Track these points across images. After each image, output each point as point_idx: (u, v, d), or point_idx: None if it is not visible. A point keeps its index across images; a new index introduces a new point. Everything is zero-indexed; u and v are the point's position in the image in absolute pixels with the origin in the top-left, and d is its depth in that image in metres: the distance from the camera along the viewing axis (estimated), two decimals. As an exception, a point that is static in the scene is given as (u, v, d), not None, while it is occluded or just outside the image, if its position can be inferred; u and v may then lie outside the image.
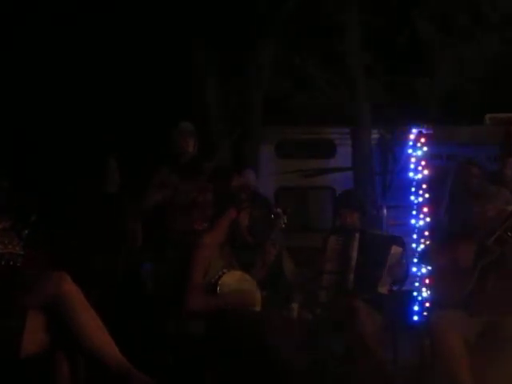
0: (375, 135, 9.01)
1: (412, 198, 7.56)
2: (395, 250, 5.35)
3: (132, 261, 6.14)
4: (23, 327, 3.16)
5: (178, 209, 5.79)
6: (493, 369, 4.08)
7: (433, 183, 7.20)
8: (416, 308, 7.05)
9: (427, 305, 6.58)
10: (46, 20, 9.82)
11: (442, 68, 11.84)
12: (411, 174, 7.60)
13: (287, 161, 9.03)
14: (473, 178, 5.59)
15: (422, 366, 4.96)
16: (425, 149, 7.60)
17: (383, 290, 5.32)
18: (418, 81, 11.83)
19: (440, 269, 4.71)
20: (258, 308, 4.41)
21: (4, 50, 9.46)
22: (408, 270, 5.72)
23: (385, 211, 7.27)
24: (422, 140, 7.64)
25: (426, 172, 7.51)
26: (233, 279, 4.33)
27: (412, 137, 7.66)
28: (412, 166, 7.61)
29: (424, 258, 5.83)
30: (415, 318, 6.95)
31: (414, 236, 7.43)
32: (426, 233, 7.17)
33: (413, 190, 7.56)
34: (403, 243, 5.49)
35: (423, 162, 7.56)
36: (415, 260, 7.05)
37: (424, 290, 6.92)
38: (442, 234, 5.00)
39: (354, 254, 5.37)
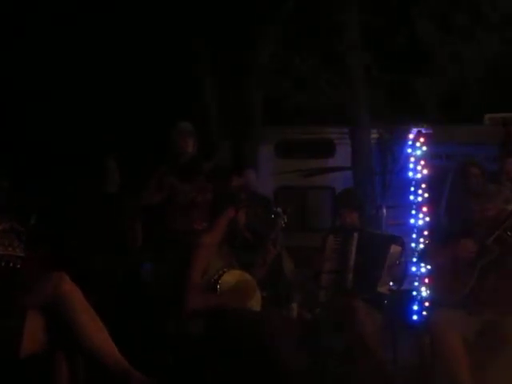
0: (374, 135, 9.01)
1: (411, 197, 7.55)
2: (394, 249, 5.35)
3: (132, 261, 6.14)
4: (23, 327, 3.17)
5: (177, 209, 5.79)
6: (492, 368, 4.09)
7: (432, 183, 7.20)
8: (415, 307, 7.05)
9: (427, 304, 6.57)
10: (46, 20, 9.82)
11: (441, 68, 11.85)
12: (410, 174, 7.60)
13: (287, 160, 9.04)
14: (472, 177, 5.59)
15: (421, 366, 4.97)
16: (424, 148, 7.60)
17: (383, 289, 5.31)
18: (418, 81, 11.84)
19: (439, 268, 4.72)
20: (257, 308, 4.41)
21: (4, 49, 9.47)
22: (407, 269, 5.72)
23: (384, 211, 7.26)
24: (422, 140, 7.64)
25: (425, 172, 7.51)
26: (233, 278, 4.34)
27: (411, 136, 7.65)
28: (411, 166, 7.61)
29: (423, 257, 5.83)
30: (415, 317, 6.94)
31: (414, 236, 7.43)
32: (426, 232, 7.17)
33: (412, 189, 7.56)
34: (402, 242, 5.49)
35: (422, 162, 7.57)
36: (415, 259, 7.06)
37: (423, 289, 6.91)
38: (442, 234, 5.00)
39: (353, 254, 5.37)
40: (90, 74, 10.08)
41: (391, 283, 5.38)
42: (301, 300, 5.28)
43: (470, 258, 4.37)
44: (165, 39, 9.61)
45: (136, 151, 9.31)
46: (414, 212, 7.49)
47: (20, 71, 9.82)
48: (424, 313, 6.48)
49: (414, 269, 7.12)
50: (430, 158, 7.68)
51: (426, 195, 7.36)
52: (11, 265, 3.17)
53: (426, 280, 6.71)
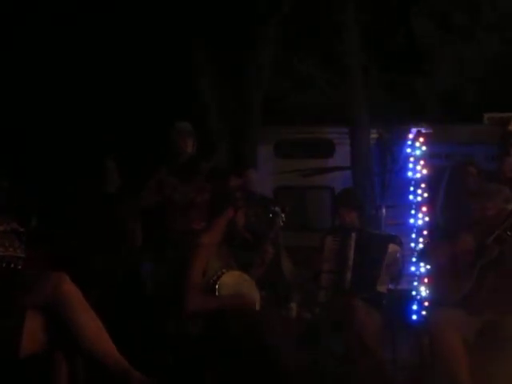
0: (374, 135, 9.01)
1: (411, 197, 7.57)
2: (392, 248, 5.37)
3: (132, 261, 6.14)
4: (22, 327, 3.17)
5: (177, 209, 5.80)
6: (492, 368, 4.09)
7: (432, 182, 7.21)
8: (415, 307, 7.06)
9: (426, 304, 6.58)
10: (46, 20, 9.82)
11: (441, 68, 11.86)
12: (410, 174, 7.62)
13: (286, 160, 9.05)
14: (469, 176, 5.59)
15: (421, 365, 4.97)
16: (423, 148, 7.62)
17: (382, 288, 5.33)
18: (417, 80, 11.85)
19: (439, 268, 4.72)
20: (256, 308, 4.41)
21: (4, 49, 9.46)
22: (404, 268, 5.72)
23: (383, 211, 7.27)
24: (421, 139, 7.66)
25: (424, 171, 7.52)
26: (232, 279, 4.34)
27: (411, 136, 7.67)
28: (411, 166, 7.62)
29: (423, 257, 5.84)
30: (414, 317, 6.95)
31: (413, 235, 7.44)
32: (425, 232, 7.18)
33: (411, 189, 7.58)
34: (400, 242, 5.50)
35: (422, 162, 7.58)
36: (414, 259, 7.07)
37: (423, 289, 6.92)
38: (440, 233, 5.00)
39: (351, 254, 5.38)
40: (89, 74, 10.07)
41: (390, 282, 5.39)
42: (300, 300, 5.28)
43: (469, 258, 4.37)
44: (164, 39, 9.60)
45: (136, 151, 9.31)
46: (413, 212, 7.51)
47: (20, 71, 9.81)
48: (423, 312, 6.49)
49: (413, 268, 7.14)
50: (429, 158, 7.70)
51: (426, 195, 7.38)
52: (12, 266, 3.17)
53: (426, 280, 6.73)
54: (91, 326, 3.25)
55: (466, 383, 4.13)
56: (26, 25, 9.84)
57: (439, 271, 4.71)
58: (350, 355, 5.01)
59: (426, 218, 7.25)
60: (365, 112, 9.27)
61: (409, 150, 7.76)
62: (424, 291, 6.88)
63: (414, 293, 7.14)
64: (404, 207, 7.62)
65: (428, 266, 5.77)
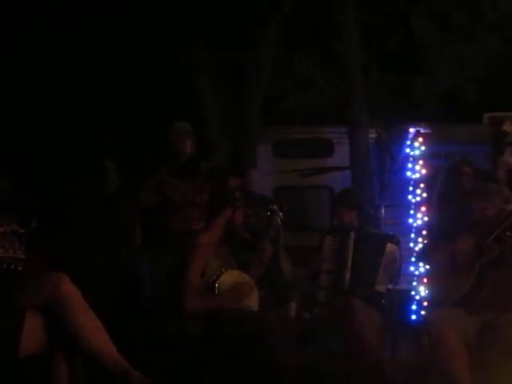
0: (373, 134, 9.02)
1: (410, 197, 7.58)
2: (390, 247, 5.38)
3: (132, 261, 6.15)
4: (22, 327, 3.17)
5: (176, 209, 5.80)
6: (492, 367, 4.09)
7: (431, 182, 7.21)
8: (414, 307, 7.06)
9: (425, 304, 6.59)
10: (46, 20, 9.82)
11: (441, 68, 11.86)
12: (409, 174, 7.63)
13: (285, 160, 9.06)
14: (464, 176, 5.60)
15: (420, 365, 4.97)
16: (423, 148, 7.62)
17: (381, 288, 5.33)
18: (417, 80, 11.85)
19: (438, 268, 4.72)
20: (255, 308, 4.42)
21: (4, 49, 9.46)
22: (402, 267, 5.72)
23: (382, 210, 7.27)
24: (420, 139, 7.66)
25: (423, 171, 7.53)
26: (231, 279, 4.34)
27: (410, 136, 7.68)
28: (410, 166, 7.63)
29: (422, 256, 5.84)
30: (413, 317, 6.96)
31: (412, 235, 7.45)
32: (424, 232, 7.19)
33: (410, 189, 7.59)
34: (398, 241, 5.51)
35: (421, 162, 7.59)
36: (413, 259, 7.07)
37: (422, 289, 6.93)
38: (438, 233, 5.00)
39: (350, 253, 5.39)
40: (89, 74, 10.07)
41: (388, 282, 5.40)
42: (299, 299, 5.29)
43: (469, 258, 4.38)
44: (164, 39, 9.60)
45: (135, 151, 9.31)
46: (412, 212, 7.52)
47: (20, 71, 9.82)
48: (422, 312, 6.50)
49: (412, 268, 7.14)
50: (429, 158, 7.71)
51: (424, 195, 7.38)
52: (12, 267, 3.18)
53: (425, 280, 6.73)
54: (90, 326, 3.26)
55: (465, 383, 4.13)
56: (26, 25, 9.84)
57: (439, 271, 4.71)
58: (349, 355, 5.01)
59: (425, 218, 7.25)
60: (364, 112, 9.28)
61: (408, 150, 7.77)
62: (423, 291, 6.88)
63: (413, 293, 7.14)
64: (403, 207, 7.63)
65: (427, 266, 5.77)
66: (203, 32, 9.65)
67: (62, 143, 9.86)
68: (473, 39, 11.64)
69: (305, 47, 10.67)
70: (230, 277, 4.34)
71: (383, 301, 5.32)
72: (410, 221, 7.49)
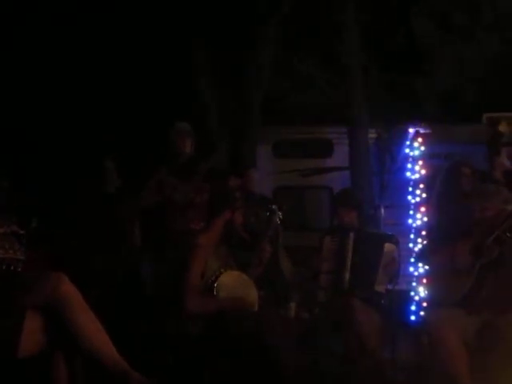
0: (373, 135, 9.02)
1: (409, 197, 7.58)
2: (388, 247, 5.38)
3: (132, 261, 6.15)
4: (22, 327, 3.17)
5: (176, 209, 5.80)
6: (491, 368, 4.09)
7: (431, 183, 7.21)
8: (413, 308, 7.06)
9: (425, 304, 6.58)
10: (46, 20, 9.82)
11: (441, 68, 11.86)
12: (408, 174, 7.62)
13: (285, 160, 9.07)
14: (462, 177, 5.60)
15: (420, 365, 4.98)
16: (422, 148, 7.62)
17: (380, 288, 5.34)
18: (417, 80, 11.85)
19: (438, 268, 4.72)
20: (255, 308, 4.42)
21: (4, 49, 9.46)
22: (401, 268, 5.72)
23: (382, 211, 7.27)
24: (420, 139, 7.66)
25: (423, 172, 7.53)
26: (230, 279, 4.34)
27: (409, 136, 7.68)
28: (409, 166, 7.63)
29: (422, 257, 5.84)
30: (412, 317, 6.96)
31: (412, 236, 7.44)
32: (424, 232, 7.18)
33: (410, 189, 7.58)
34: (397, 241, 5.51)
35: (420, 162, 7.59)
36: (412, 260, 7.07)
37: (421, 289, 6.93)
38: (438, 234, 5.00)
39: (349, 253, 5.39)
40: (89, 74, 10.07)
41: (388, 282, 5.40)
42: (299, 300, 5.29)
43: (468, 258, 4.37)
44: (164, 39, 9.60)
45: (135, 151, 9.31)
46: (411, 212, 7.51)
47: (20, 71, 9.82)
48: (422, 313, 6.49)
49: (411, 269, 7.14)
50: (429, 158, 7.70)
51: (424, 195, 7.38)
52: (12, 268, 3.18)
53: (424, 280, 6.73)
54: (90, 326, 3.26)
55: (465, 383, 4.14)
56: (26, 25, 9.84)
57: (438, 272, 4.71)
58: (349, 355, 5.02)
59: (425, 219, 7.25)
60: (364, 112, 9.28)
61: (407, 150, 7.77)
62: (422, 292, 6.88)
63: (412, 293, 7.14)
64: (402, 207, 7.63)
65: (426, 267, 5.77)
66: (203, 32, 9.65)
67: (62, 143, 9.86)
68: (473, 39, 11.64)
69: (305, 47, 10.67)
70: (229, 277, 4.34)
71: (383, 301, 5.33)
72: (410, 221, 7.49)
